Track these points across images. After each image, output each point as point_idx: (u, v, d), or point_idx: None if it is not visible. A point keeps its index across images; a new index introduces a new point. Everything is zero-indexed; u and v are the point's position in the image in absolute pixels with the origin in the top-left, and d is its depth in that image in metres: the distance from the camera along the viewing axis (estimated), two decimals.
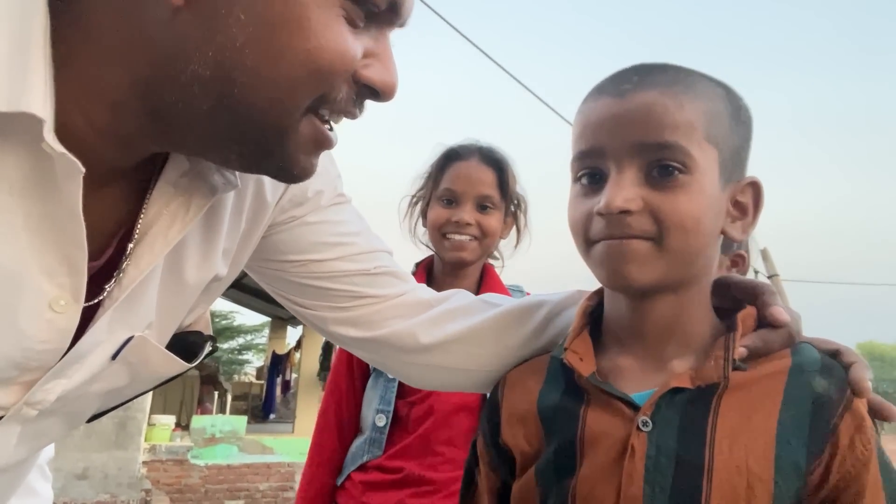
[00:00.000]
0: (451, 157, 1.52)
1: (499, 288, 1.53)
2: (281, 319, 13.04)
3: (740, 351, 0.68)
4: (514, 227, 1.58)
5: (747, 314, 0.72)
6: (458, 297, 0.94)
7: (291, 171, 0.61)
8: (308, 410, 10.32)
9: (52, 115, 0.50)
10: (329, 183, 0.84)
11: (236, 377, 21.56)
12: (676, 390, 0.68)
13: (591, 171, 0.71)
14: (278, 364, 12.29)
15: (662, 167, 0.66)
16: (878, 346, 44.20)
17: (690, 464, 0.65)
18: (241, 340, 24.62)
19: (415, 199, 1.58)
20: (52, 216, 0.54)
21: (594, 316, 0.80)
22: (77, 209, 0.54)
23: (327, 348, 9.64)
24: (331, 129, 0.62)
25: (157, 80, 0.54)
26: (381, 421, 1.43)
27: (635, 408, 0.69)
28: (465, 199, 1.47)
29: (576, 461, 0.71)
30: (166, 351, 0.70)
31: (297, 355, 11.78)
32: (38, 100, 0.49)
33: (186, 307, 0.73)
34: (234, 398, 15.08)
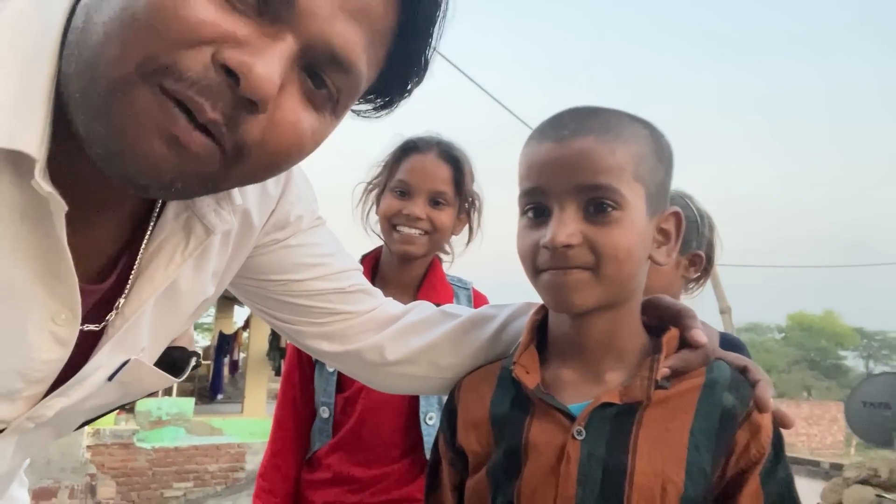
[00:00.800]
0: (408, 149, 1.51)
1: (440, 283, 1.56)
2: (227, 299, 12.85)
3: (663, 371, 0.78)
4: (468, 226, 1.58)
5: (671, 336, 0.82)
6: (420, 308, 1.02)
7: (128, 152, 0.52)
8: (257, 390, 10.26)
9: (44, 154, 0.53)
10: (307, 207, 0.89)
11: None
12: (607, 404, 0.78)
13: (536, 207, 0.80)
14: (225, 344, 12.13)
15: (598, 205, 0.76)
16: (807, 317, 46.25)
17: (616, 469, 0.76)
18: None
19: (370, 187, 1.57)
20: (46, 243, 0.58)
21: (540, 329, 0.89)
22: (62, 241, 0.57)
23: None
24: (198, 128, 0.52)
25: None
26: (325, 413, 1.48)
27: (572, 418, 0.79)
28: (418, 192, 1.47)
29: (521, 464, 0.80)
30: (158, 370, 0.76)
31: (245, 335, 11.67)
32: (35, 140, 0.52)
33: (178, 329, 0.79)
34: None
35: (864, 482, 5.22)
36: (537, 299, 0.87)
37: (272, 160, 0.58)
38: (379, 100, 0.67)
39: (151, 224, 0.68)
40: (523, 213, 0.82)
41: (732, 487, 0.78)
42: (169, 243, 0.69)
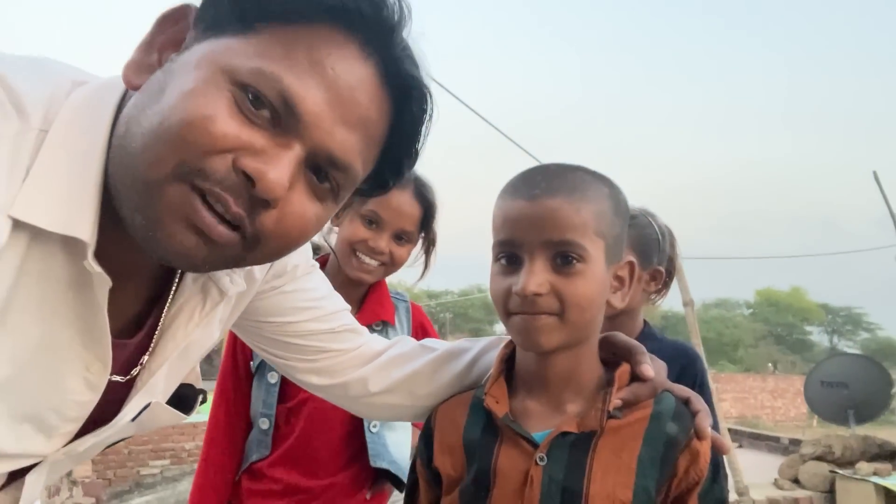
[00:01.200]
0: None
1: (385, 299, 1.61)
2: None
3: (615, 403, 0.88)
4: (423, 260, 1.62)
5: (623, 371, 0.93)
6: (402, 343, 1.12)
7: (167, 243, 0.62)
8: None
9: (94, 238, 0.63)
10: (302, 256, 0.98)
11: None
12: (566, 433, 0.88)
13: (509, 256, 0.89)
14: None
15: (564, 258, 0.85)
16: (774, 293, 47.21)
17: (573, 492, 0.86)
18: None
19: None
20: (88, 307, 0.68)
21: (509, 361, 0.99)
22: (102, 311, 0.68)
23: None
24: (223, 221, 0.63)
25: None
26: (265, 424, 1.49)
27: (535, 445, 0.89)
28: (387, 227, 1.49)
29: (489, 487, 0.90)
30: (173, 410, 0.85)
31: None
32: (88, 228, 0.63)
33: (188, 371, 0.88)
34: None
35: (819, 458, 5.47)
36: None
37: (283, 245, 0.69)
38: (376, 182, 0.78)
39: (173, 288, 0.79)
40: (496, 259, 0.91)
41: None
42: (188, 305, 0.80)
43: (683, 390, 0.95)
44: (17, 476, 0.76)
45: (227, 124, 0.60)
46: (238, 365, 1.55)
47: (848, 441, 5.52)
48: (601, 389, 0.91)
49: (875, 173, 6.62)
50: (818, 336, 49.18)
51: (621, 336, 0.98)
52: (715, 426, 1.53)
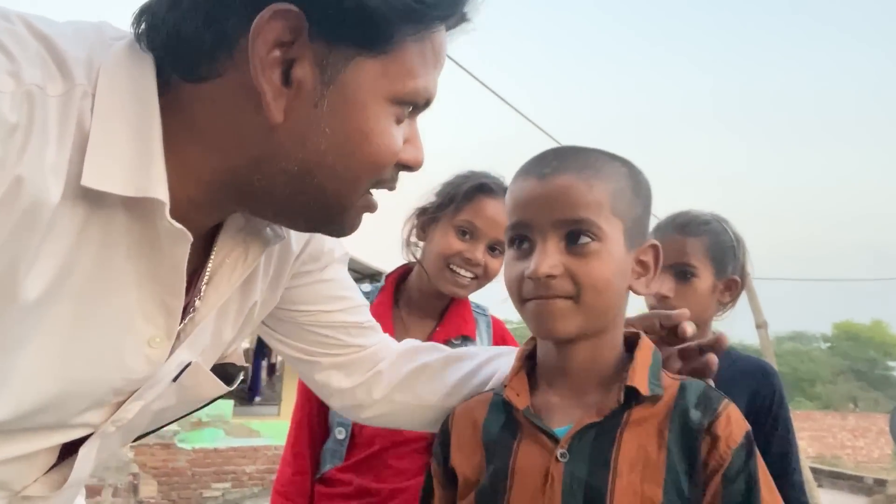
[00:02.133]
0: (481, 190, 1.47)
1: (466, 312, 1.57)
2: None
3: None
4: None
5: (644, 346, 0.88)
6: (414, 341, 1.13)
7: (344, 231, 0.77)
8: (293, 393, 10.42)
9: (167, 197, 0.64)
10: (336, 241, 0.99)
11: None
12: (589, 426, 0.83)
13: (521, 239, 0.86)
14: (264, 347, 12.35)
15: (578, 237, 0.82)
16: (853, 326, 44.81)
17: (597, 489, 0.80)
18: None
19: (428, 213, 1.52)
20: (156, 272, 0.68)
21: (530, 359, 0.95)
22: (182, 269, 0.68)
23: None
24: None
25: (250, 170, 0.68)
26: (341, 434, 1.49)
27: (556, 441, 0.84)
28: (482, 237, 1.45)
29: (507, 487, 0.85)
30: (215, 378, 0.84)
31: None
32: (161, 188, 0.63)
33: (230, 336, 0.87)
34: None
35: None
36: None
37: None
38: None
39: (215, 244, 0.79)
40: (509, 245, 0.89)
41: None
42: (231, 256, 0.79)
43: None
44: (66, 455, 0.76)
45: (400, 141, 0.72)
46: None
47: None
48: (622, 371, 0.86)
49: None
50: None
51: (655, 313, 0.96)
52: (793, 456, 1.43)
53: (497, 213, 1.44)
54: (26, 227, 0.57)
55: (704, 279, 1.46)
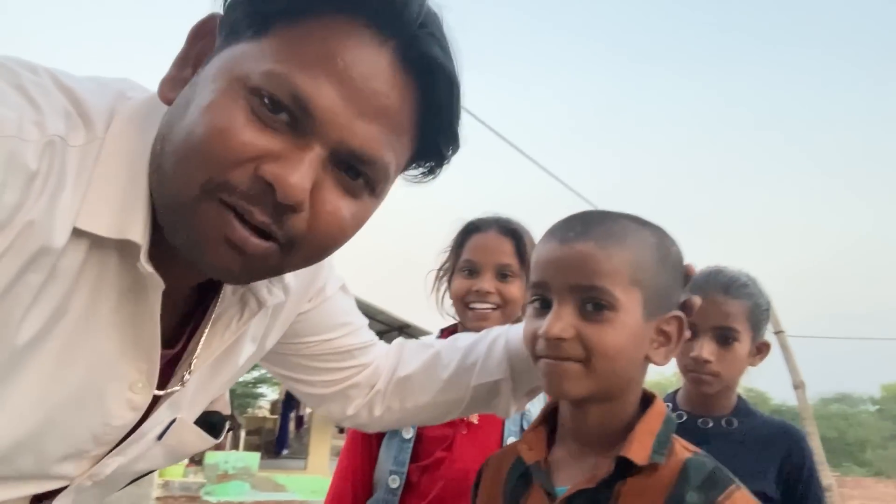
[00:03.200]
0: (470, 230, 1.59)
1: None
2: None
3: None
4: None
5: (656, 408, 0.88)
6: (404, 342, 1.17)
7: (204, 255, 0.64)
8: (321, 447, 10.33)
9: (146, 241, 0.64)
10: (330, 276, 1.00)
11: (250, 411, 21.50)
12: (582, 491, 0.83)
13: (541, 299, 0.88)
14: (292, 399, 12.33)
15: (593, 304, 0.83)
16: None
17: None
18: (255, 374, 24.59)
19: (441, 273, 1.64)
20: (138, 316, 0.68)
21: (554, 414, 0.96)
22: (155, 315, 0.68)
23: None
24: (256, 233, 0.63)
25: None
26: (395, 483, 1.45)
27: (555, 498, 0.85)
28: (485, 268, 1.52)
29: None
30: (200, 430, 0.83)
31: None
32: (140, 231, 0.64)
33: (214, 393, 0.87)
34: (248, 433, 15.11)
35: None
36: None
37: (322, 244, 0.68)
38: (421, 169, 0.77)
39: (218, 300, 0.79)
40: (531, 302, 0.90)
41: None
42: (226, 315, 0.79)
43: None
44: (38, 502, 0.74)
45: (245, 134, 0.61)
46: None
47: None
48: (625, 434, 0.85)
49: None
50: None
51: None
52: None
53: (488, 243, 1.55)
54: (32, 269, 0.59)
55: (744, 343, 1.44)
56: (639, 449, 0.82)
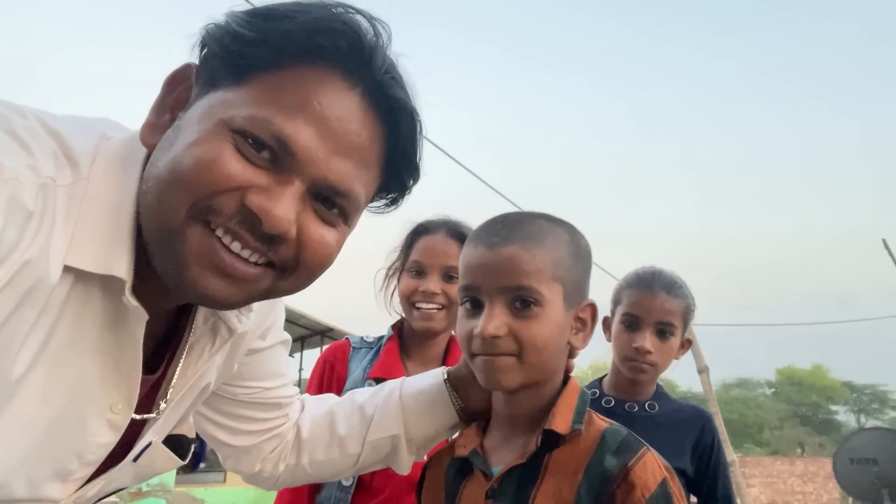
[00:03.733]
0: (419, 232, 1.64)
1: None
2: None
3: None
4: None
5: (571, 388, 0.97)
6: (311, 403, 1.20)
7: (196, 286, 0.68)
8: None
9: (130, 276, 0.68)
10: (279, 319, 1.04)
11: None
12: (514, 467, 0.91)
13: (472, 300, 0.95)
14: None
15: (521, 302, 0.91)
16: (796, 371, 45.94)
17: None
18: None
19: (390, 272, 1.69)
20: (120, 344, 0.73)
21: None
22: (139, 342, 0.73)
23: None
24: (242, 260, 0.69)
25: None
26: (348, 481, 1.49)
27: (491, 478, 0.93)
28: (432, 270, 1.57)
29: None
30: (171, 454, 0.87)
31: None
32: (124, 267, 0.68)
33: (182, 415, 0.91)
34: None
35: None
36: None
37: (312, 270, 0.75)
38: (385, 200, 0.84)
39: (189, 327, 0.83)
40: (462, 303, 0.97)
41: None
42: (199, 343, 0.84)
43: None
44: None
45: (232, 165, 0.66)
46: None
47: None
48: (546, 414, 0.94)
49: (884, 241, 6.60)
50: (844, 415, 47.55)
51: None
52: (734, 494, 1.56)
53: (437, 245, 1.59)
54: (27, 304, 0.63)
55: (678, 337, 1.61)
56: (561, 421, 0.91)
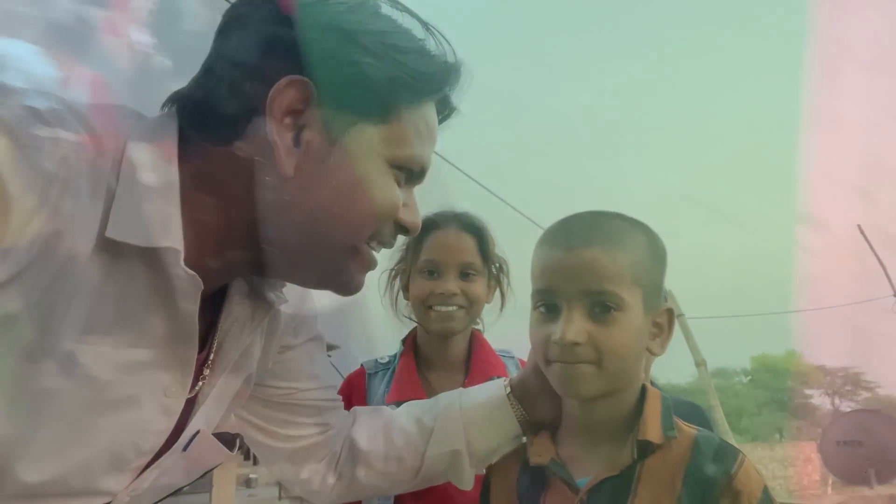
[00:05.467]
0: (428, 228, 1.46)
1: (491, 355, 1.52)
2: None
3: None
4: (498, 291, 1.54)
5: (652, 396, 0.93)
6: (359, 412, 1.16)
7: (350, 284, 0.82)
8: (226, 477, 9.86)
9: (182, 245, 0.69)
10: (310, 316, 1.02)
11: None
12: (606, 479, 0.87)
13: (548, 304, 0.90)
14: None
15: (602, 307, 0.86)
16: (770, 358, 46.84)
17: None
18: None
19: (394, 273, 1.53)
20: (171, 323, 0.72)
21: None
22: (194, 317, 0.73)
23: None
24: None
25: (264, 223, 0.74)
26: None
27: (577, 491, 0.88)
28: (447, 268, 1.43)
29: None
30: (220, 444, 0.85)
31: None
32: (176, 236, 0.69)
33: (226, 405, 0.88)
34: None
35: None
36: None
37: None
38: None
39: (224, 308, 0.83)
40: (535, 307, 0.92)
41: None
42: (239, 318, 0.84)
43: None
44: None
45: (397, 197, 0.80)
46: None
47: (874, 501, 5.33)
48: (637, 424, 0.90)
49: (860, 226, 6.74)
50: (819, 399, 48.53)
51: None
52: None
53: (450, 241, 1.45)
54: (62, 278, 0.61)
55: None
56: (653, 430, 0.87)
